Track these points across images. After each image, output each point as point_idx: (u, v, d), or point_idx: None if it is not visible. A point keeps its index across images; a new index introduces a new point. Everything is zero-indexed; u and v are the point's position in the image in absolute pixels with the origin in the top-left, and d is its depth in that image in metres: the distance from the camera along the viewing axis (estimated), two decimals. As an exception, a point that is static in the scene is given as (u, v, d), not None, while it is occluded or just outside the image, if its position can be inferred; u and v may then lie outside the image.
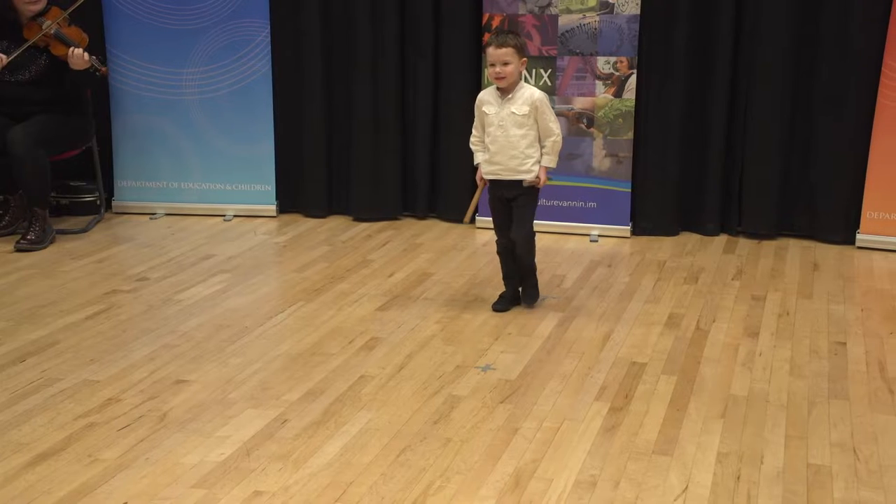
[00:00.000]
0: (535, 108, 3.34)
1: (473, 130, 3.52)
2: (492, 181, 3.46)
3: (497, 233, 3.53)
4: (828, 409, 2.70)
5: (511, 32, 3.48)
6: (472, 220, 3.89)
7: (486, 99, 3.43)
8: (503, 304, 3.53)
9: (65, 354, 3.07)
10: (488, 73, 3.42)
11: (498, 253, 3.56)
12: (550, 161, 3.40)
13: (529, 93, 3.36)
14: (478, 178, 3.51)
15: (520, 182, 3.39)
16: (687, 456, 2.42)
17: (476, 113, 3.49)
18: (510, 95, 3.36)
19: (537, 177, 3.38)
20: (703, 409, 2.68)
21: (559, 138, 3.40)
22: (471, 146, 3.53)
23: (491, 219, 3.57)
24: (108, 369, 2.95)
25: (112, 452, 2.43)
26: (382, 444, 2.47)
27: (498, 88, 3.39)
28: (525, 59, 3.39)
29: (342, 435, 2.53)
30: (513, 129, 3.35)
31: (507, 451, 2.44)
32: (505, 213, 3.47)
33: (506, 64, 3.30)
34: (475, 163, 3.52)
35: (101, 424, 2.58)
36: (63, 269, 3.97)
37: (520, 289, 3.57)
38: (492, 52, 3.33)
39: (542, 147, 3.39)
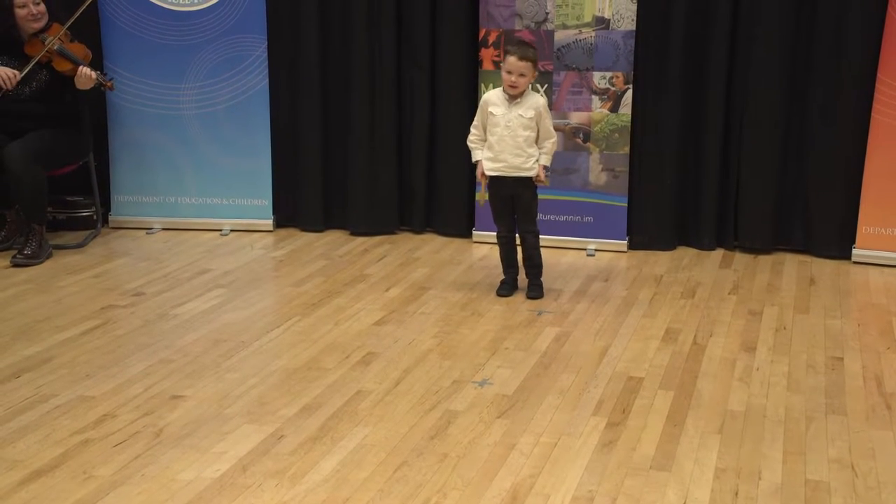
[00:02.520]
0: (539, 113, 3.62)
1: (473, 129, 3.75)
2: (494, 178, 3.70)
3: (498, 224, 3.80)
4: (825, 424, 2.70)
5: (532, 46, 3.76)
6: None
7: (493, 100, 3.66)
8: (507, 289, 3.81)
9: (60, 370, 3.06)
10: (503, 77, 3.62)
11: (499, 243, 3.84)
12: (548, 160, 3.70)
13: (535, 98, 3.67)
14: (479, 174, 3.73)
15: (521, 179, 3.66)
16: (684, 471, 2.41)
17: (480, 112, 3.72)
18: (518, 100, 3.62)
19: (538, 174, 3.66)
20: (701, 425, 2.68)
21: (556, 140, 3.73)
22: (469, 143, 3.77)
23: (492, 217, 3.82)
24: (103, 385, 2.94)
25: (107, 469, 2.42)
26: (379, 460, 2.46)
27: (507, 92, 3.62)
28: (537, 73, 3.69)
29: (339, 450, 2.52)
30: (520, 130, 3.61)
31: (505, 466, 2.44)
32: (505, 206, 3.75)
33: (522, 75, 3.56)
34: (474, 160, 3.76)
35: (97, 441, 2.57)
36: (59, 284, 3.96)
37: (527, 281, 3.83)
38: (513, 62, 3.56)
39: (540, 148, 3.66)
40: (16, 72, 4.19)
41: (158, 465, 2.44)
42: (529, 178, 3.66)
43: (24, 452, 2.50)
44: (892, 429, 2.67)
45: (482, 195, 3.83)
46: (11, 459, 2.46)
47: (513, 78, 3.56)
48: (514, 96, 3.62)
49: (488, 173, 3.69)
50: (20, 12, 4.25)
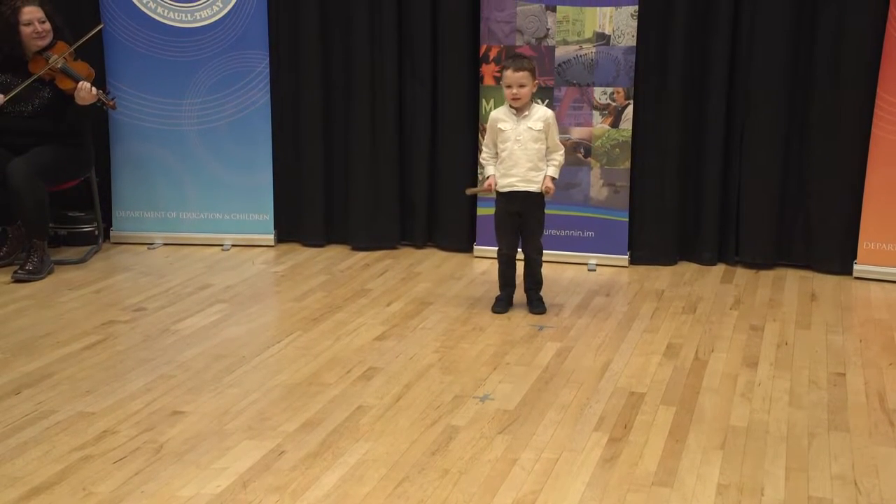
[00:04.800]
0: (547, 125, 3.63)
1: (484, 148, 3.80)
2: (505, 195, 3.71)
3: (500, 241, 3.80)
4: (828, 440, 2.69)
5: (526, 57, 3.80)
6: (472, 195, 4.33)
7: (501, 117, 3.69)
8: (502, 306, 3.82)
9: (61, 386, 3.05)
10: (505, 93, 3.66)
11: (500, 262, 3.84)
12: (556, 172, 3.72)
13: (543, 110, 3.70)
14: (487, 184, 3.75)
15: (532, 193, 3.65)
16: (687, 488, 2.40)
17: (489, 131, 3.75)
18: (525, 113, 3.64)
19: (546, 186, 3.67)
20: (703, 440, 2.67)
21: (563, 153, 3.75)
22: (481, 160, 3.83)
23: (495, 237, 3.82)
24: (104, 401, 2.93)
25: (107, 486, 2.41)
26: (380, 476, 2.46)
27: (512, 107, 3.64)
28: (537, 81, 3.69)
29: (340, 466, 2.51)
30: (530, 143, 3.63)
31: (506, 482, 2.43)
32: (513, 227, 3.76)
33: (522, 86, 3.58)
34: (486, 174, 3.77)
35: (97, 457, 2.56)
36: (60, 300, 3.96)
37: (526, 297, 3.85)
38: (509, 75, 3.59)
39: (549, 160, 3.65)
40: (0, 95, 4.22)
41: (159, 481, 2.43)
42: (541, 195, 3.68)
43: (23, 469, 2.49)
44: (895, 445, 2.66)
45: (473, 190, 3.91)
46: (11, 476, 2.46)
47: (513, 90, 3.59)
48: (520, 110, 3.64)
49: (500, 190, 3.70)
50: (25, 30, 4.27)
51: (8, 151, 4.29)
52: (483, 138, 3.93)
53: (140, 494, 2.36)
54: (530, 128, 3.62)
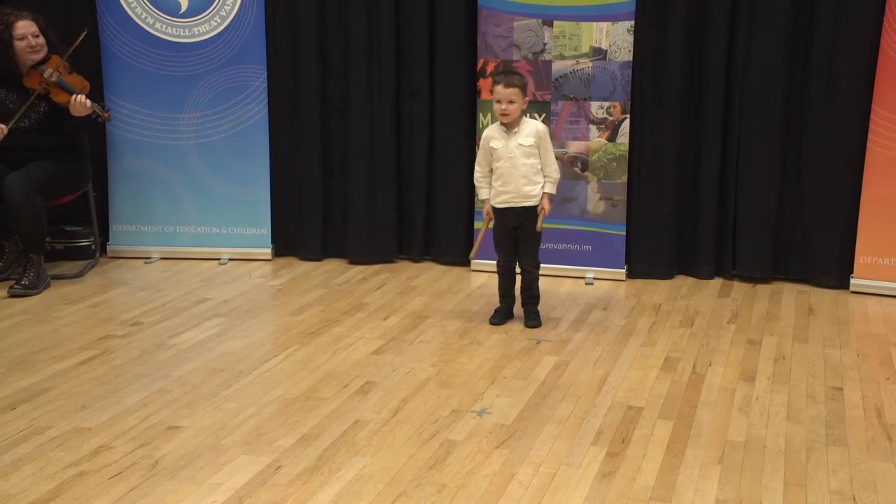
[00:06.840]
0: (539, 139, 3.64)
1: (477, 167, 3.78)
2: (501, 210, 3.71)
3: (500, 255, 3.81)
4: (826, 455, 2.68)
5: (517, 73, 3.82)
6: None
7: (493, 135, 3.70)
8: (500, 317, 3.82)
9: (56, 401, 3.04)
10: (494, 108, 3.67)
11: (499, 273, 3.84)
12: (552, 188, 3.71)
13: (534, 125, 3.70)
14: (485, 212, 3.76)
15: (528, 209, 3.65)
16: (685, 502, 2.39)
17: (481, 149, 3.76)
18: (516, 129, 3.65)
19: (542, 207, 3.66)
20: (701, 455, 2.66)
21: (558, 168, 3.73)
22: (475, 182, 3.81)
23: (494, 247, 3.82)
24: (99, 416, 2.92)
25: (102, 502, 2.39)
26: (377, 491, 2.45)
27: (502, 124, 3.65)
28: (527, 98, 3.70)
29: (336, 481, 2.50)
30: (521, 158, 3.64)
31: (504, 497, 2.42)
32: (509, 239, 3.77)
33: (511, 102, 3.59)
34: (481, 198, 3.79)
35: (92, 473, 2.55)
36: (57, 315, 3.95)
37: (523, 311, 3.82)
38: (500, 91, 3.61)
39: (545, 177, 3.68)
40: (2, 126, 4.21)
41: (154, 497, 2.42)
42: (535, 209, 3.68)
43: (17, 486, 2.48)
44: (893, 460, 2.65)
45: (475, 250, 3.83)
46: (5, 493, 2.44)
47: (503, 106, 3.60)
48: (510, 126, 3.65)
49: (496, 206, 3.70)
50: (19, 45, 4.28)
51: (4, 166, 4.29)
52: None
53: (135, 510, 2.35)
54: (521, 144, 3.63)
